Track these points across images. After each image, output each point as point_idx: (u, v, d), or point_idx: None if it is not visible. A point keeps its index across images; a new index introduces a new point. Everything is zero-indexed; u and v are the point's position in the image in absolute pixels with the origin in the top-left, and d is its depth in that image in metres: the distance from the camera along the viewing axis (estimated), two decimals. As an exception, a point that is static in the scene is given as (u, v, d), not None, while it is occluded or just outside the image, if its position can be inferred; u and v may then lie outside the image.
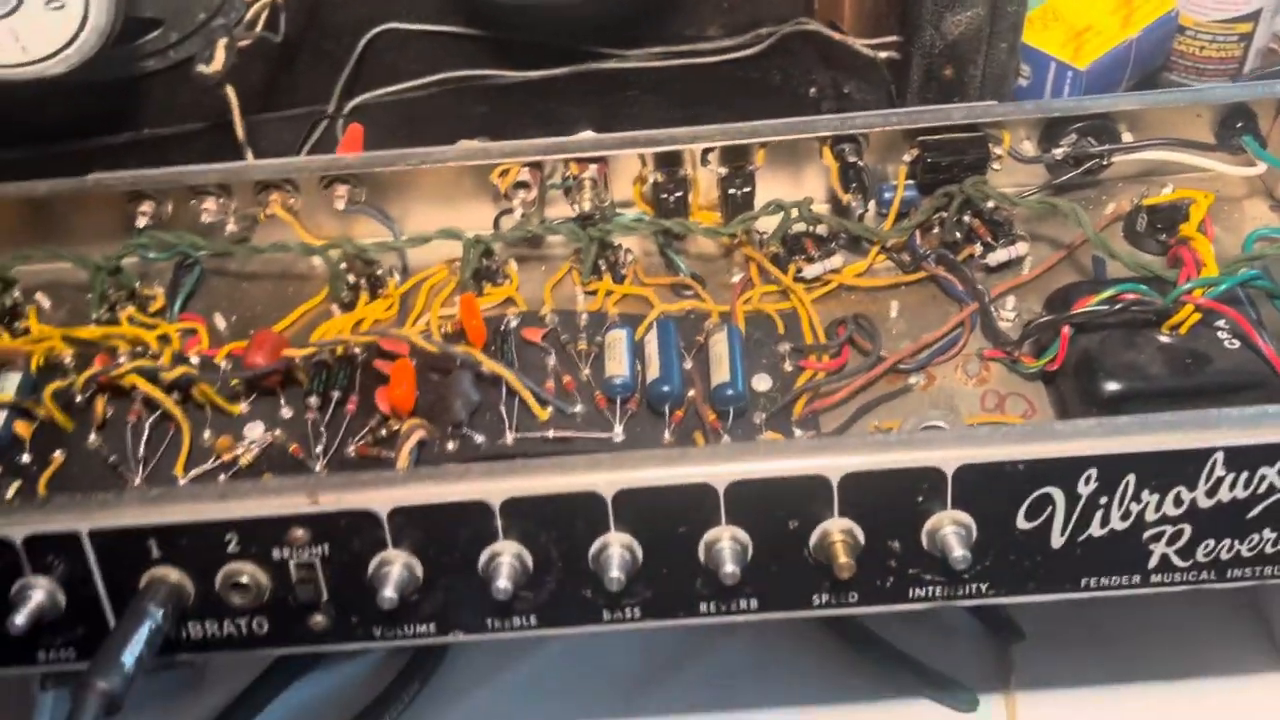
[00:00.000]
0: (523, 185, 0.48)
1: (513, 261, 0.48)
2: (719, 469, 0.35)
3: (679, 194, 0.48)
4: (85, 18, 0.57)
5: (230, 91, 0.63)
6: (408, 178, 0.48)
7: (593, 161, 0.48)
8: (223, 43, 0.61)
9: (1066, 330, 0.41)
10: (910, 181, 0.48)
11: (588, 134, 0.51)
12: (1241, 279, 0.40)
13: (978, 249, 0.47)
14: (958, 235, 0.47)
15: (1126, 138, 0.48)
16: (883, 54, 0.66)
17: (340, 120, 0.71)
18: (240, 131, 0.63)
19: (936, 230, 0.48)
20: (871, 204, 0.49)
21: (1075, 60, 0.68)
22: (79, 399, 0.43)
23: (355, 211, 0.49)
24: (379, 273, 0.48)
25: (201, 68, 0.61)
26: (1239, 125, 0.47)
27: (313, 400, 0.43)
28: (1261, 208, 0.49)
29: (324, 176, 0.48)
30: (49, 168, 0.71)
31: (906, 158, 0.48)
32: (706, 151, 0.48)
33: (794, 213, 0.47)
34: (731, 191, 0.48)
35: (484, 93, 0.73)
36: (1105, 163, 0.48)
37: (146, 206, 0.49)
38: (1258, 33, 0.75)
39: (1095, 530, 0.36)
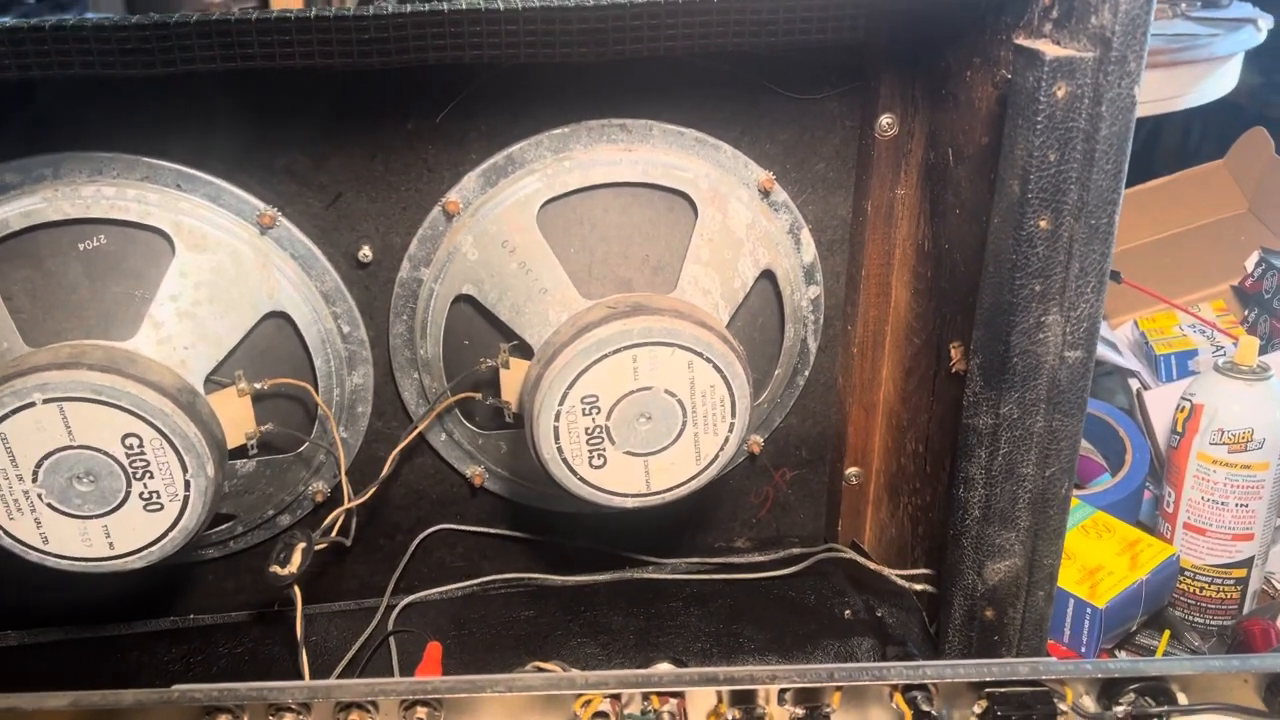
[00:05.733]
0: (602, 715, 0.49)
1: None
2: None
3: (755, 733, 0.49)
4: (179, 519, 0.61)
5: (297, 591, 0.65)
6: (487, 702, 0.49)
7: (672, 696, 0.49)
8: (301, 547, 0.64)
9: None
10: (980, 730, 0.49)
11: (665, 667, 0.52)
12: None
13: (1055, 808, 0.47)
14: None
15: (1181, 698, 0.50)
16: (917, 586, 0.70)
17: (392, 616, 0.73)
18: (300, 631, 0.65)
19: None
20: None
21: (1093, 599, 0.73)
22: None
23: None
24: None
25: (276, 569, 0.64)
26: (1284, 692, 0.50)
27: None
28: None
29: (404, 700, 0.49)
30: (90, 653, 0.72)
31: (976, 709, 0.49)
32: (783, 692, 0.49)
33: (870, 761, 0.47)
34: (807, 733, 0.49)
35: (530, 596, 0.75)
36: (1164, 722, 0.50)
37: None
38: (1252, 577, 0.81)
39: None
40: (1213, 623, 0.82)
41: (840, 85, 0.69)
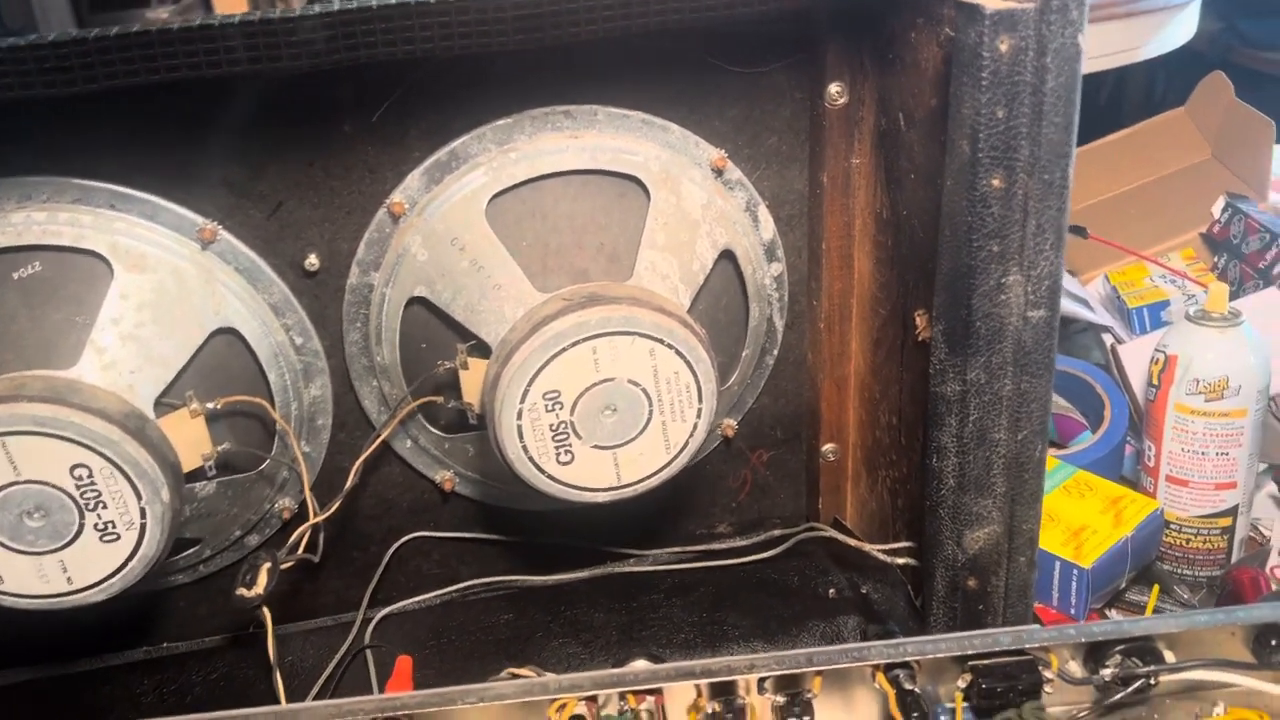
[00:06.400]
0: (578, 718, 0.47)
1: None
2: None
3: (736, 725, 0.48)
4: (137, 548, 0.59)
5: (266, 613, 0.63)
6: (459, 714, 0.48)
7: (649, 693, 0.48)
8: (266, 567, 0.62)
9: None
10: (967, 705, 0.48)
11: (641, 664, 0.51)
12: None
13: (1046, 779, 0.46)
14: (1024, 765, 0.46)
15: (1169, 656, 0.49)
16: (899, 560, 0.69)
17: (368, 629, 0.72)
18: (272, 653, 0.63)
19: (1000, 754, 0.47)
20: (929, 727, 0.48)
21: (1079, 559, 0.72)
22: None
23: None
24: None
25: (243, 591, 0.62)
26: (1274, 642, 0.49)
27: None
28: (1317, 732, 0.49)
29: (374, 718, 0.47)
30: (62, 690, 0.70)
31: (960, 683, 0.48)
32: (763, 680, 0.48)
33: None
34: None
35: (509, 599, 0.74)
36: (1153, 682, 0.49)
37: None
38: (1237, 525, 0.80)
39: None
40: (1201, 574, 0.81)
41: (786, 56, 0.68)
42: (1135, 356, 0.87)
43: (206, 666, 0.69)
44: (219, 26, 0.52)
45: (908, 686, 0.48)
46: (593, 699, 0.48)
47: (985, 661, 0.48)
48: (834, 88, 0.67)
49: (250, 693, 0.66)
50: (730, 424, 0.78)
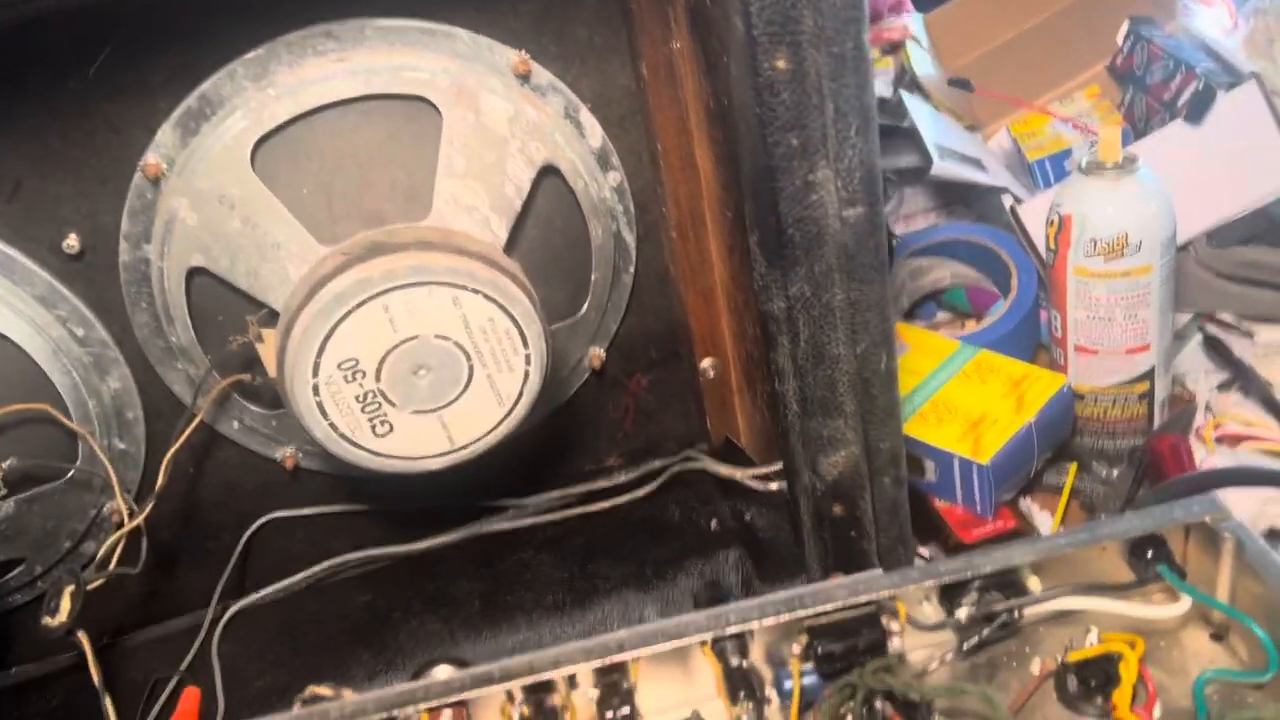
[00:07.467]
0: (371, 744, 0.42)
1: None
2: None
3: (550, 727, 0.42)
4: None
5: (83, 638, 0.58)
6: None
7: (447, 707, 0.42)
8: (69, 591, 0.56)
9: None
10: (808, 666, 0.43)
11: (442, 671, 0.45)
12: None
13: (897, 747, 0.40)
14: (871, 732, 0.41)
15: (1035, 584, 0.44)
16: (774, 485, 0.63)
17: (218, 630, 0.66)
18: (96, 678, 0.58)
19: None
20: (774, 695, 0.43)
21: (977, 455, 0.66)
22: None
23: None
24: None
25: (48, 619, 0.57)
26: (1150, 554, 0.43)
27: None
28: (1201, 639, 0.43)
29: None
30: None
31: (796, 648, 0.42)
32: (572, 678, 0.42)
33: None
34: (609, 715, 0.42)
35: (369, 577, 0.68)
36: (1017, 616, 0.43)
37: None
38: (1157, 388, 0.74)
39: None
40: (1124, 444, 0.75)
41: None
42: (1036, 215, 0.79)
43: (46, 694, 0.64)
44: None
45: (734, 662, 0.42)
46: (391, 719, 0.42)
47: (821, 620, 0.42)
48: (634, -38, 0.58)
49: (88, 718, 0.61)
50: (597, 353, 0.71)
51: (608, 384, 0.74)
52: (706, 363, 0.73)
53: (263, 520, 0.70)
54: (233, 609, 0.66)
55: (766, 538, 0.64)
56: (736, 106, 0.45)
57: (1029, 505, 0.72)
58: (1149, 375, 0.73)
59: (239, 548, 0.70)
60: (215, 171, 0.57)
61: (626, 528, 0.68)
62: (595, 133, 0.64)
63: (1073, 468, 0.73)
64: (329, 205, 0.58)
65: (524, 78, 0.61)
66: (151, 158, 0.57)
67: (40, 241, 0.58)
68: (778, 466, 0.64)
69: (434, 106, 0.58)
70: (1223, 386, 0.78)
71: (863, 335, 0.48)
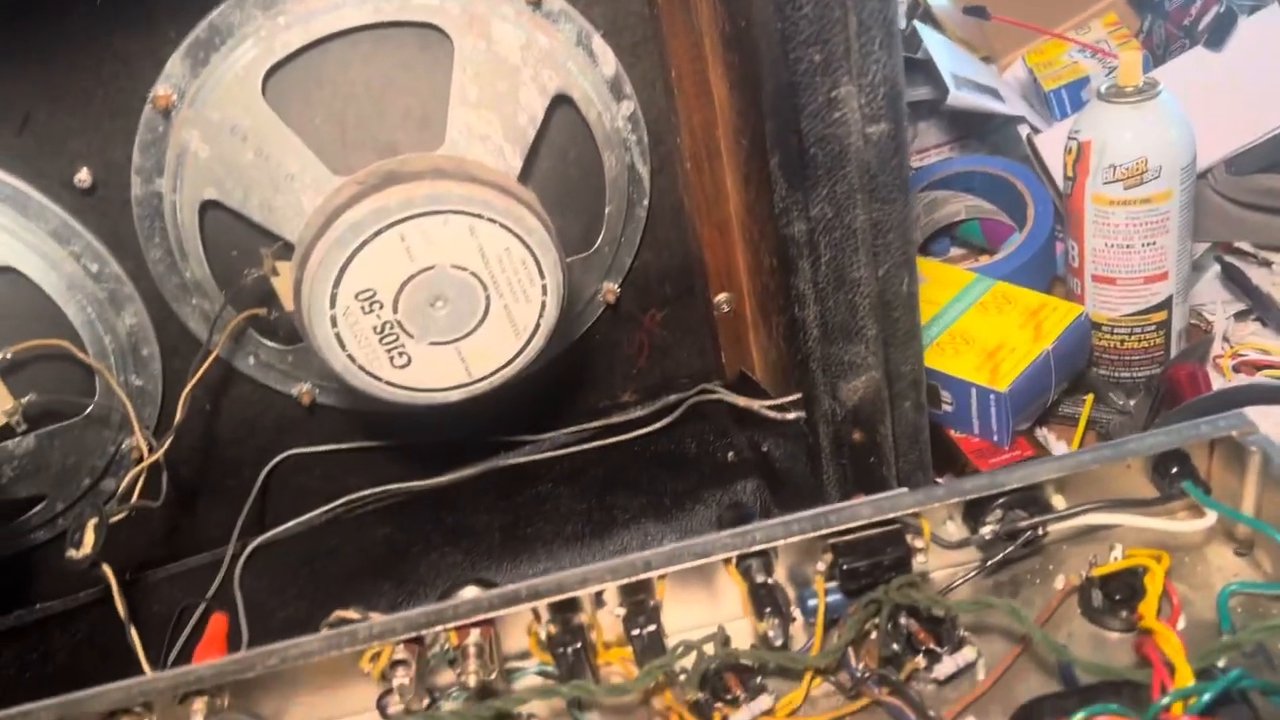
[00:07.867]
0: (401, 663, 0.42)
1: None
2: None
3: (576, 645, 0.42)
4: None
5: (108, 570, 0.58)
6: (273, 676, 0.43)
7: (475, 626, 0.42)
8: (92, 524, 0.57)
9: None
10: (833, 585, 0.43)
11: (469, 592, 0.45)
12: (1223, 685, 0.34)
13: (921, 661, 0.41)
14: (895, 647, 0.41)
15: (1059, 501, 0.44)
16: (791, 414, 0.63)
17: (238, 565, 0.67)
18: (122, 611, 0.58)
19: (874, 635, 0.42)
20: (798, 613, 0.43)
21: (994, 383, 0.66)
22: None
23: (222, 720, 0.43)
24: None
25: (72, 553, 0.57)
26: (1174, 470, 0.43)
27: None
28: (1225, 554, 0.44)
29: (177, 694, 0.42)
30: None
31: (820, 566, 0.43)
32: (599, 595, 0.43)
33: (709, 649, 0.41)
34: (636, 633, 0.42)
35: (389, 511, 0.69)
36: (1041, 533, 0.43)
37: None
38: (1174, 317, 0.73)
39: None
40: (1140, 374, 0.75)
41: None
42: (1054, 145, 0.78)
43: (70, 629, 0.64)
44: None
45: (759, 579, 0.42)
46: (419, 640, 0.43)
47: (846, 539, 0.42)
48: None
49: (113, 653, 0.61)
50: (611, 288, 0.71)
51: (622, 319, 0.74)
52: (721, 297, 0.72)
53: (281, 456, 0.71)
54: (253, 544, 0.67)
55: (784, 468, 0.64)
56: (757, 24, 0.44)
57: (1046, 435, 0.72)
58: (1167, 304, 0.72)
59: (258, 484, 0.70)
60: (226, 102, 0.56)
61: (644, 460, 0.68)
62: (608, 60, 0.63)
63: (1089, 399, 0.73)
64: (342, 135, 0.57)
65: (536, 4, 0.60)
66: (162, 89, 0.56)
67: (51, 176, 0.58)
68: (795, 397, 0.64)
69: (445, 34, 0.57)
70: (1240, 316, 0.77)
71: (885, 257, 0.48)
